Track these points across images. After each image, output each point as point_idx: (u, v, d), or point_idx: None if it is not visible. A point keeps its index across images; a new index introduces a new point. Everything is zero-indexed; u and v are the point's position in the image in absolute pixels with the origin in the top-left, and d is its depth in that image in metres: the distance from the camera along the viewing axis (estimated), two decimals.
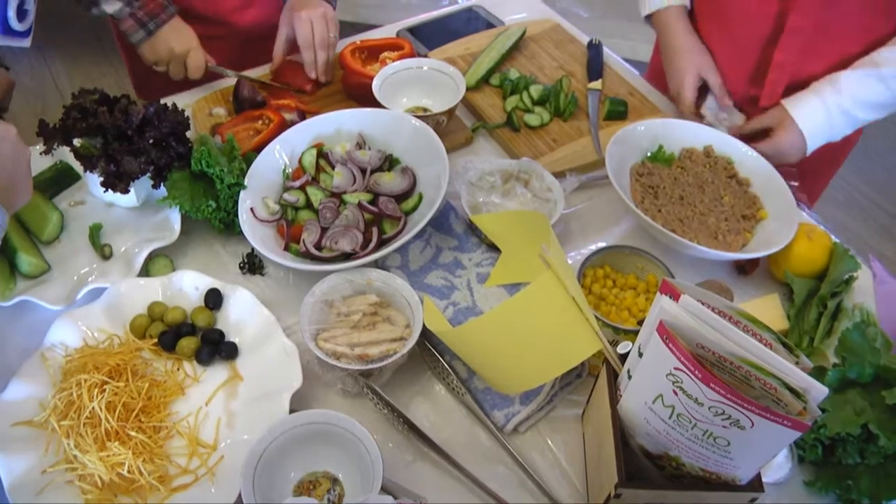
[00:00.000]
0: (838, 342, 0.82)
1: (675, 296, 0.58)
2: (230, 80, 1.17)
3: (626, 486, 0.64)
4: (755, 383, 0.55)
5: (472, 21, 1.36)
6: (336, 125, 1.04)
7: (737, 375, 0.55)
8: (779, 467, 0.76)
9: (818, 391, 0.53)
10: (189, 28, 1.13)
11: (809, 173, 1.11)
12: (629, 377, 0.65)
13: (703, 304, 0.58)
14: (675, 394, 0.58)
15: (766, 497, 0.74)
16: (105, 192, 0.93)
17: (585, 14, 2.54)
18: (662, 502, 0.66)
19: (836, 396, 0.76)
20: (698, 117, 1.12)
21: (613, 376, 0.70)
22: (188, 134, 1.00)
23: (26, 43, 0.91)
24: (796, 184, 1.03)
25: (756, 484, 0.64)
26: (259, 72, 1.21)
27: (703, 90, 1.12)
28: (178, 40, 1.12)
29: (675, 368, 0.57)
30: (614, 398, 0.68)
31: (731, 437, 0.57)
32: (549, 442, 0.79)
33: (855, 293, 0.93)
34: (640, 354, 0.62)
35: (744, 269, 0.96)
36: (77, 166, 1.01)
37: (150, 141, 0.94)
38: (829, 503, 0.76)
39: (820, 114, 1.01)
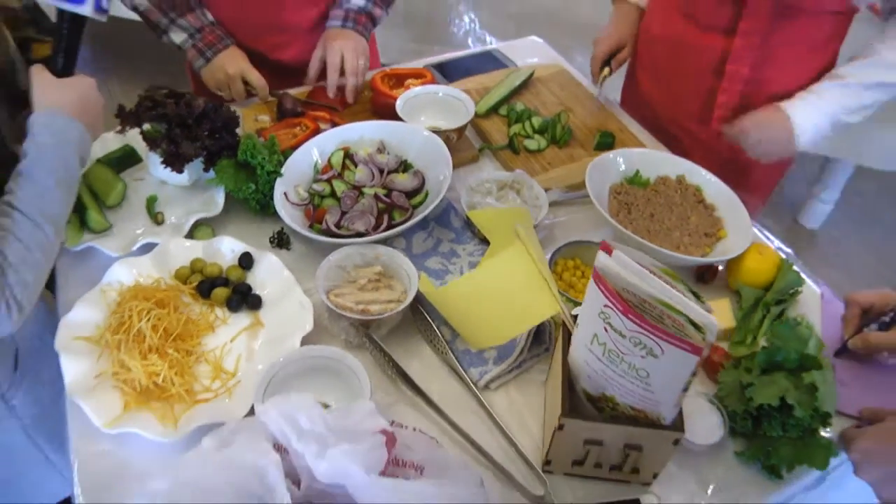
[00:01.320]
0: (769, 331, 0.95)
1: (609, 252, 0.73)
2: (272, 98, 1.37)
3: (567, 416, 0.78)
4: (667, 321, 0.69)
5: (490, 62, 1.55)
6: (361, 133, 1.22)
7: (653, 315, 0.70)
8: (713, 432, 0.89)
9: (714, 325, 0.67)
10: (242, 54, 1.33)
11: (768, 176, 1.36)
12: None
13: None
14: (606, 330, 0.73)
15: (702, 460, 0.88)
16: (164, 168, 1.12)
17: None
18: (600, 438, 0.80)
19: (763, 377, 0.89)
20: (596, 81, 1.42)
21: (567, 336, 0.84)
22: (237, 131, 1.18)
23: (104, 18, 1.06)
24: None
25: (678, 424, 0.78)
26: (295, 91, 1.40)
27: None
28: (231, 64, 1.32)
29: (605, 306, 0.71)
30: (566, 350, 0.83)
31: (649, 367, 0.71)
32: (516, 399, 0.93)
33: (799, 305, 1.07)
34: None
35: (704, 277, 1.10)
36: (140, 150, 1.20)
37: (206, 131, 1.13)
38: (755, 470, 0.89)
39: (811, 108, 1.18)
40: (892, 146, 2.14)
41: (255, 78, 1.33)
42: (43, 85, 0.92)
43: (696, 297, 0.70)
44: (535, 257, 0.90)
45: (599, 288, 0.72)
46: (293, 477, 0.72)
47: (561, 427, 0.79)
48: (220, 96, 1.36)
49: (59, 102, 0.91)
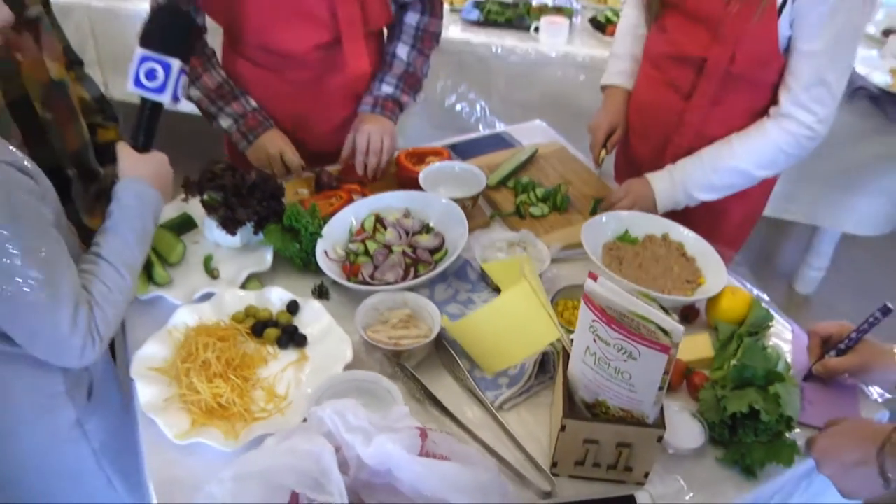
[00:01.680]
0: (741, 353, 1.12)
1: (595, 279, 0.91)
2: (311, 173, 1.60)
3: (568, 417, 0.95)
4: (642, 329, 0.87)
5: (499, 142, 1.79)
6: (389, 201, 1.44)
7: (631, 325, 0.87)
8: (695, 439, 1.04)
9: (679, 330, 0.84)
10: (282, 135, 1.56)
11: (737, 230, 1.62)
12: None
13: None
14: (595, 342, 0.91)
15: (687, 464, 1.03)
16: (219, 231, 1.33)
17: None
18: (596, 437, 0.96)
19: (735, 391, 1.05)
20: (597, 163, 1.65)
21: (566, 358, 1.02)
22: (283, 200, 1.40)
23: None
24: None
25: (660, 423, 0.94)
26: (331, 168, 1.63)
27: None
28: (271, 144, 1.55)
29: (593, 321, 0.90)
30: (565, 368, 1.00)
31: (630, 369, 0.89)
32: (525, 417, 1.09)
33: (770, 338, 1.24)
34: None
35: (687, 317, 1.28)
36: (197, 217, 1.42)
37: (257, 200, 1.35)
38: (734, 472, 1.04)
39: (666, 181, 1.47)
40: (868, 212, 2.35)
41: (290, 158, 1.56)
42: (128, 158, 1.14)
43: (665, 311, 0.88)
44: (538, 293, 1.09)
45: (588, 307, 0.90)
46: (343, 468, 0.89)
47: (563, 428, 0.95)
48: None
49: (140, 173, 1.12)
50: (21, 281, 0.90)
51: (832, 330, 1.16)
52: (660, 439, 0.95)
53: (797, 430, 1.05)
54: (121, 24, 2.67)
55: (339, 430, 0.86)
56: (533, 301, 1.08)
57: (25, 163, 0.95)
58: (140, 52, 1.14)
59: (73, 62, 1.49)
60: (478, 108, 2.54)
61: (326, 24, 1.48)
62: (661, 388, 0.90)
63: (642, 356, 0.87)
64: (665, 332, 0.85)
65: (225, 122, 1.55)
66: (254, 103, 1.57)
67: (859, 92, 2.18)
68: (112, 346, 1.30)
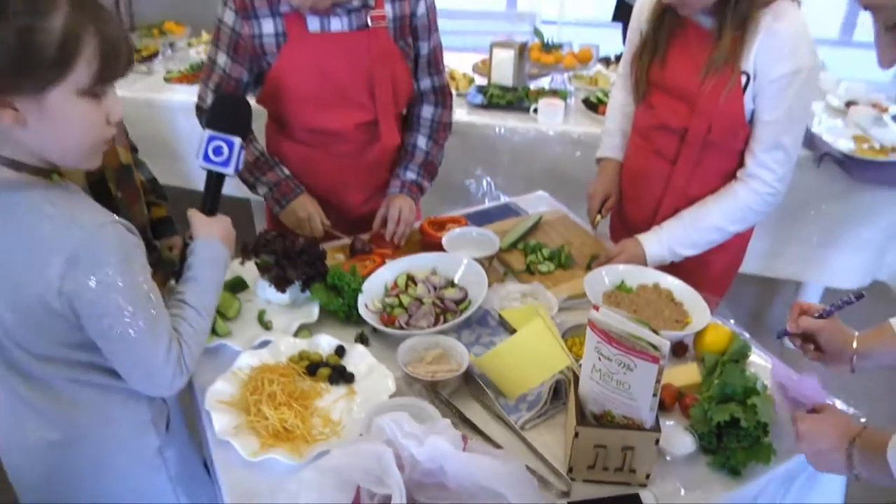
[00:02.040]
0: (722, 373, 1.34)
1: (598, 309, 1.15)
2: (346, 240, 1.85)
3: (581, 424, 1.16)
4: (636, 346, 1.09)
5: (508, 211, 2.05)
6: (418, 262, 1.69)
7: (628, 343, 1.10)
8: (687, 447, 1.26)
9: (665, 345, 1.07)
10: (312, 201, 1.81)
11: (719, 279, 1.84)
12: None
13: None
14: (599, 359, 1.13)
15: (682, 469, 1.24)
16: (271, 289, 1.57)
17: None
18: (604, 442, 1.17)
19: (719, 405, 1.27)
20: (594, 226, 1.88)
21: (576, 379, 1.24)
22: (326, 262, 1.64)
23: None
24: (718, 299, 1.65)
25: (656, 427, 1.16)
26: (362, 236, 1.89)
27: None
28: (301, 209, 1.79)
29: (597, 342, 1.13)
30: (576, 387, 1.22)
31: (629, 380, 1.11)
32: (543, 434, 1.30)
33: (749, 365, 1.46)
34: None
35: (677, 352, 1.50)
36: (250, 279, 1.66)
37: (304, 262, 1.59)
38: (721, 474, 1.24)
39: (654, 242, 1.71)
40: (846, 266, 2.60)
41: (316, 224, 1.79)
42: (200, 221, 1.36)
43: (654, 332, 1.11)
44: (551, 328, 1.32)
45: (593, 331, 1.14)
46: (399, 468, 1.10)
47: (577, 435, 1.17)
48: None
49: (212, 233, 1.34)
50: (130, 323, 1.12)
51: (813, 307, 1.37)
52: (657, 442, 1.16)
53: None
54: (154, 112, 2.98)
55: (396, 435, 1.08)
56: (546, 335, 1.31)
57: (134, 233, 1.20)
58: (208, 133, 1.41)
59: (132, 149, 1.77)
60: (484, 183, 2.83)
61: (366, 106, 1.78)
62: (654, 395, 1.12)
63: (638, 367, 1.10)
64: (654, 346, 1.08)
65: (262, 190, 1.81)
66: (287, 172, 1.83)
67: (826, 157, 2.46)
68: None
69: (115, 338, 1.11)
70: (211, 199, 1.42)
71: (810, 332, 1.33)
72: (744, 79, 1.58)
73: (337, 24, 1.69)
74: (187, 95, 2.97)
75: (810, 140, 2.54)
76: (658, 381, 1.10)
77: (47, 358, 1.16)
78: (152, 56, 3.25)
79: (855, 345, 1.31)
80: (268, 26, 1.67)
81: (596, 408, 1.19)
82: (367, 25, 1.70)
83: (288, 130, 1.85)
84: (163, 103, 2.96)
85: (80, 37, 1.00)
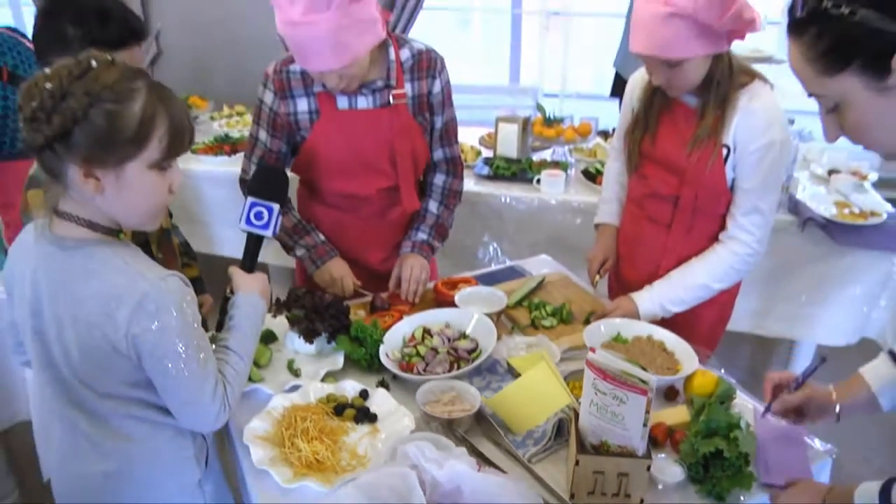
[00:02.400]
0: (707, 411, 1.52)
1: (594, 351, 1.34)
2: (368, 297, 2.05)
3: (581, 453, 1.34)
4: (628, 381, 1.28)
5: (514, 273, 2.26)
6: (434, 317, 1.88)
7: (620, 379, 1.28)
8: (677, 476, 1.42)
9: (653, 379, 1.26)
10: (343, 263, 2.03)
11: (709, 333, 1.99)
12: None
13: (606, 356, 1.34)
14: (596, 395, 1.32)
15: (672, 497, 1.40)
16: (300, 340, 1.76)
17: None
18: (602, 469, 1.34)
19: (705, 439, 1.44)
20: (593, 285, 2.07)
21: (576, 415, 1.42)
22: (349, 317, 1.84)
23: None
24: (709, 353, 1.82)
25: (647, 454, 1.33)
26: (382, 294, 2.09)
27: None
28: (335, 270, 2.01)
29: (594, 379, 1.31)
30: (577, 421, 1.40)
31: (622, 411, 1.29)
32: (548, 467, 1.47)
33: (735, 407, 1.63)
34: None
35: (668, 396, 1.68)
36: (279, 332, 1.85)
37: (330, 316, 1.79)
38: (709, 501, 1.40)
39: (647, 299, 1.90)
40: (834, 324, 2.78)
41: (347, 283, 2.00)
42: (241, 278, 1.55)
43: (644, 369, 1.30)
44: (554, 371, 1.50)
45: (591, 369, 1.32)
46: (421, 489, 1.26)
47: (577, 462, 1.34)
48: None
49: (252, 288, 1.54)
50: (184, 363, 1.30)
51: (783, 377, 1.55)
52: (648, 468, 1.33)
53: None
54: (187, 181, 3.23)
55: (419, 459, 1.25)
56: (550, 377, 1.49)
57: (188, 284, 1.40)
58: (250, 199, 1.62)
59: (169, 214, 1.99)
60: (491, 248, 3.04)
61: (388, 174, 2.01)
62: (644, 425, 1.30)
63: (630, 400, 1.28)
64: (643, 381, 1.27)
65: (299, 251, 2.03)
66: (322, 237, 2.06)
67: (810, 222, 2.68)
68: None
69: (170, 376, 1.29)
70: (250, 259, 1.62)
71: (793, 406, 1.51)
72: (725, 151, 1.81)
73: (363, 102, 1.93)
74: (212, 166, 3.23)
75: (795, 206, 2.76)
76: (647, 411, 1.28)
77: (108, 395, 1.33)
78: None
79: (834, 397, 1.49)
80: (302, 105, 1.92)
81: (594, 439, 1.37)
82: (389, 103, 1.95)
83: (318, 195, 2.08)
84: (189, 173, 3.20)
85: (154, 119, 1.22)
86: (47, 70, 1.20)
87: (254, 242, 1.63)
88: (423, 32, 4.12)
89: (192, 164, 3.26)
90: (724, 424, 1.45)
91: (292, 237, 2.04)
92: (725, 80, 1.76)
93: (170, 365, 1.28)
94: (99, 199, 1.24)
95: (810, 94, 1.10)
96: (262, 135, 1.97)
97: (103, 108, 1.17)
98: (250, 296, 1.51)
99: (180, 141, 1.27)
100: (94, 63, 1.19)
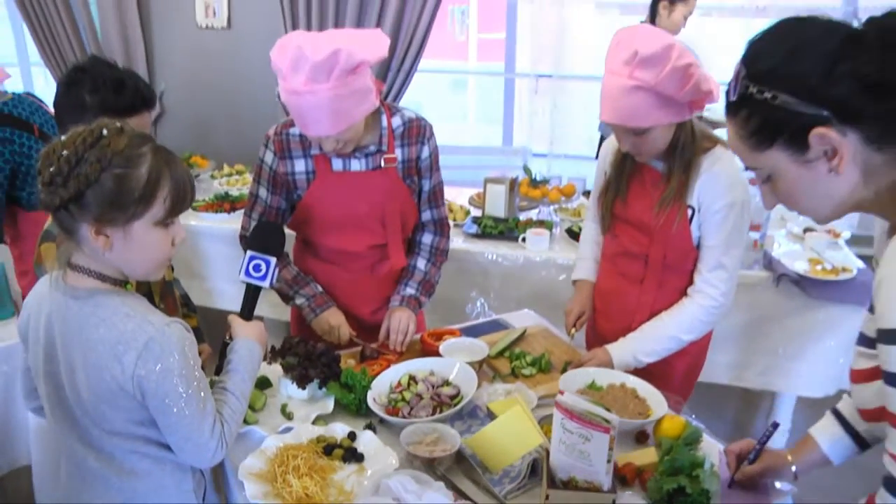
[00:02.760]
0: (671, 451, 1.64)
1: (563, 393, 1.47)
2: (358, 347, 2.19)
3: (550, 488, 1.46)
4: (593, 421, 1.41)
5: (498, 326, 2.40)
6: (419, 365, 2.02)
7: (586, 419, 1.42)
8: None
9: (615, 419, 1.39)
10: (340, 313, 2.17)
11: (682, 382, 2.09)
12: None
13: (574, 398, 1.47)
14: (564, 433, 1.45)
15: None
16: (293, 385, 1.89)
17: None
18: (570, 502, 1.46)
19: (670, 476, 1.56)
20: (570, 336, 2.20)
21: (547, 454, 1.54)
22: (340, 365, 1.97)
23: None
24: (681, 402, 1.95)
25: (612, 489, 1.45)
26: (371, 344, 2.22)
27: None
28: (332, 319, 2.16)
29: (563, 419, 1.44)
30: (548, 459, 1.52)
31: (587, 448, 1.42)
32: (523, 500, 1.59)
33: (701, 449, 1.75)
34: None
35: (639, 439, 1.80)
36: (273, 378, 1.98)
37: (322, 363, 1.92)
38: None
39: (620, 350, 2.03)
40: (812, 376, 2.91)
41: (343, 332, 2.15)
42: (239, 324, 1.69)
43: (608, 410, 1.43)
44: (527, 412, 1.63)
45: (559, 410, 1.45)
46: None
47: (547, 497, 1.46)
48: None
49: (249, 335, 1.67)
50: (185, 403, 1.43)
51: (742, 446, 1.67)
52: (613, 502, 1.45)
53: None
54: (188, 236, 3.38)
55: (400, 491, 1.38)
56: (524, 419, 1.62)
57: (190, 331, 1.54)
58: (249, 253, 1.78)
59: (171, 268, 2.14)
60: (478, 303, 3.19)
61: (378, 232, 2.18)
62: (608, 461, 1.42)
63: (594, 438, 1.41)
64: (606, 420, 1.40)
65: (299, 300, 2.18)
66: (320, 288, 2.21)
67: (783, 277, 2.84)
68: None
69: (171, 414, 1.41)
70: (249, 308, 1.77)
71: (754, 475, 1.63)
72: (690, 211, 1.97)
73: (356, 165, 2.11)
74: (212, 222, 3.40)
75: (770, 262, 2.93)
76: (611, 448, 1.41)
77: (115, 432, 1.46)
78: None
79: (790, 459, 1.61)
80: (300, 165, 2.10)
81: (563, 475, 1.49)
82: (380, 166, 2.13)
83: (312, 249, 2.24)
84: (190, 229, 3.37)
85: (159, 181, 1.38)
86: (63, 137, 1.36)
87: (252, 293, 1.78)
88: (420, 94, 4.35)
89: (193, 221, 3.43)
90: (687, 463, 1.58)
91: (292, 287, 2.19)
92: (689, 146, 1.94)
93: (171, 404, 1.40)
94: (108, 254, 1.39)
95: (747, 168, 1.27)
96: (263, 192, 2.14)
97: (113, 172, 1.32)
98: (248, 341, 1.65)
99: (182, 200, 1.43)
100: (105, 132, 1.35)
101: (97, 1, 4.69)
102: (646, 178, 2.06)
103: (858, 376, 1.27)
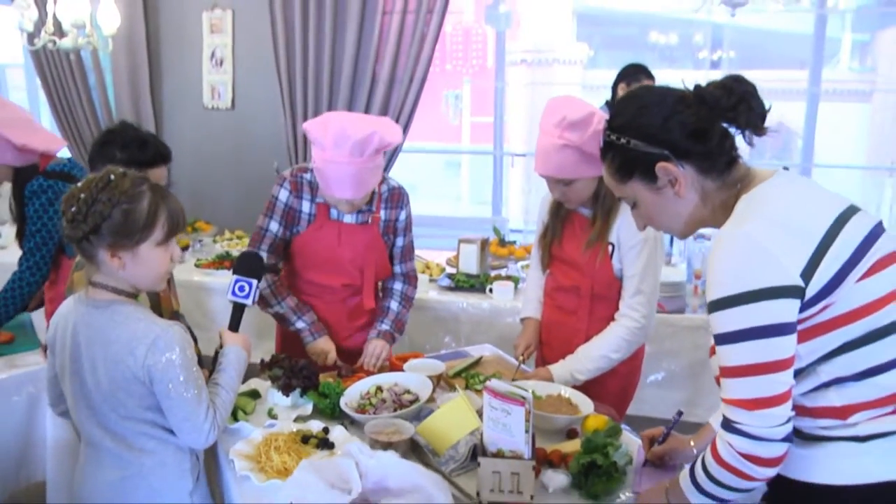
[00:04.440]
0: (589, 434, 2.00)
1: (490, 377, 1.85)
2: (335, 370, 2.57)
3: (482, 456, 1.82)
4: (512, 398, 1.78)
5: (459, 355, 2.79)
6: (384, 378, 2.40)
7: (507, 396, 1.79)
8: (562, 482, 1.89)
9: (529, 395, 1.76)
10: (331, 341, 2.58)
11: (617, 399, 2.44)
12: None
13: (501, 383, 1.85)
14: (491, 410, 1.82)
15: (561, 498, 1.86)
16: (279, 393, 2.27)
17: None
18: (499, 469, 1.81)
19: (586, 454, 1.91)
20: (519, 361, 2.56)
21: (482, 435, 1.91)
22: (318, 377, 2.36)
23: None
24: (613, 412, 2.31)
25: (532, 458, 1.81)
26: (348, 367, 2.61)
27: None
28: (325, 345, 2.57)
29: (490, 398, 1.82)
30: (481, 438, 1.89)
31: (509, 422, 1.79)
32: (464, 482, 1.94)
33: (622, 443, 2.11)
34: None
35: (569, 434, 2.17)
36: (262, 390, 2.36)
37: (303, 376, 2.31)
38: (587, 500, 1.86)
39: (559, 368, 2.40)
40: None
41: (330, 357, 2.56)
42: (228, 335, 2.03)
43: (524, 391, 1.81)
44: (468, 402, 2.01)
45: (487, 392, 1.83)
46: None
47: (479, 464, 1.82)
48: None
49: (236, 342, 2.03)
50: (184, 388, 1.77)
51: (654, 432, 2.04)
52: (534, 468, 1.81)
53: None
54: (184, 291, 3.78)
55: (358, 454, 1.74)
56: (464, 407, 1.99)
57: (188, 332, 1.91)
58: (235, 276, 2.13)
59: (177, 300, 2.55)
60: (451, 347, 3.57)
61: (354, 275, 2.62)
62: (526, 432, 1.79)
63: (513, 413, 1.78)
64: (522, 396, 1.78)
65: (300, 325, 2.58)
66: (316, 317, 2.62)
67: None
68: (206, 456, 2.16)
69: (172, 398, 1.76)
70: (235, 322, 2.11)
71: (661, 454, 1.98)
72: (611, 248, 2.40)
73: (349, 218, 2.59)
74: (213, 279, 3.84)
75: None
76: (527, 420, 1.78)
77: (128, 417, 1.81)
78: (184, 249, 4.15)
79: (693, 444, 1.98)
80: (306, 206, 2.56)
81: (493, 448, 1.85)
82: (367, 222, 2.58)
83: (295, 281, 2.65)
84: (193, 284, 3.80)
85: (157, 211, 1.77)
86: (79, 184, 1.76)
87: (237, 310, 2.12)
88: (415, 172, 4.84)
89: (197, 277, 3.86)
90: (601, 443, 1.94)
91: (295, 313, 2.60)
92: (609, 195, 2.37)
93: (173, 389, 1.75)
94: (122, 272, 1.78)
95: (619, 197, 1.70)
96: (274, 226, 2.57)
97: (122, 208, 1.72)
98: (235, 347, 2.00)
99: (177, 224, 1.83)
100: (112, 177, 1.75)
101: (113, 84, 5.27)
102: (576, 222, 2.50)
103: (711, 351, 1.65)
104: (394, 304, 2.76)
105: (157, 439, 1.85)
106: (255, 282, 2.13)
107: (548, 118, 2.33)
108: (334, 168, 2.33)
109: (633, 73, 4.20)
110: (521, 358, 2.64)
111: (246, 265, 2.16)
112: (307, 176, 2.57)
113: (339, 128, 2.29)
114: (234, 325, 2.10)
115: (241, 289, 2.11)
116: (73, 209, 1.71)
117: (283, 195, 2.57)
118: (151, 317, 1.80)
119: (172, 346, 1.75)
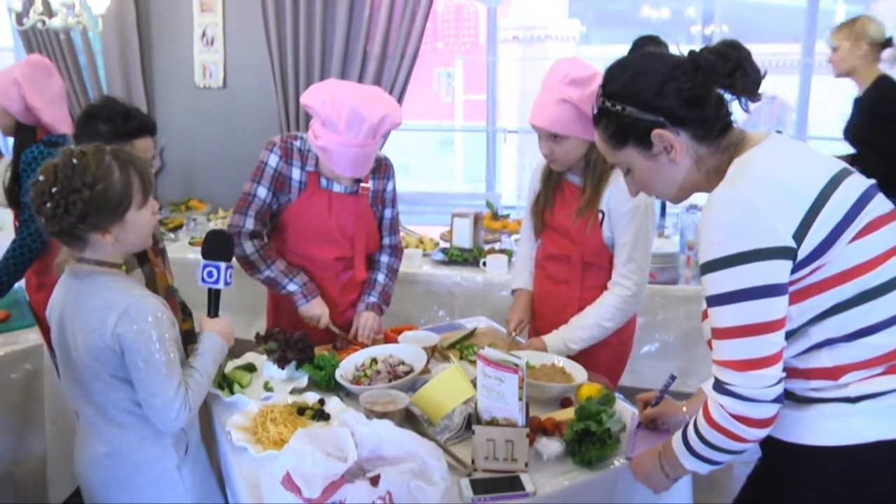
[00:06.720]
0: (583, 402, 2.00)
1: (484, 348, 1.85)
2: (330, 343, 2.57)
3: (476, 424, 1.82)
4: (505, 365, 1.78)
5: (453, 327, 2.79)
6: (380, 350, 2.39)
7: (500, 364, 1.79)
8: (557, 449, 1.89)
9: (522, 362, 1.76)
10: (324, 303, 2.56)
11: (609, 369, 2.44)
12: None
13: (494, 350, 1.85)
14: (485, 378, 1.82)
15: (556, 464, 1.87)
16: (275, 366, 2.26)
17: None
18: (493, 437, 1.82)
19: (580, 421, 1.92)
20: (511, 336, 2.54)
21: (475, 403, 1.91)
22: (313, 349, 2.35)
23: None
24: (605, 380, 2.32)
25: (526, 425, 1.81)
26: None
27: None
28: (320, 308, 2.55)
29: (483, 367, 1.82)
30: (476, 407, 1.89)
31: (503, 389, 1.79)
32: (458, 450, 1.94)
33: (615, 410, 2.11)
34: None
35: (564, 403, 2.17)
36: (258, 363, 2.35)
37: (298, 348, 2.30)
38: (581, 467, 1.86)
39: (553, 338, 2.41)
40: None
41: (324, 321, 2.55)
42: (206, 321, 2.00)
43: (518, 358, 1.81)
44: (461, 372, 2.01)
45: (481, 360, 1.83)
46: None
47: (474, 432, 1.82)
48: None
49: (214, 329, 1.98)
50: (154, 364, 1.72)
51: (648, 396, 2.04)
52: (528, 435, 1.81)
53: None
54: (179, 269, 3.77)
55: (353, 423, 1.74)
56: (458, 376, 1.99)
57: (167, 308, 1.89)
58: (203, 262, 2.02)
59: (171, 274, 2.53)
60: (445, 321, 3.57)
61: (345, 246, 2.60)
62: (520, 399, 1.79)
63: (506, 380, 1.78)
64: (515, 364, 1.78)
65: (292, 287, 2.54)
66: (307, 278, 2.59)
67: None
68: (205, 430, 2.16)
69: (141, 370, 1.71)
70: (214, 307, 2.03)
71: (654, 417, 1.99)
72: (601, 216, 2.39)
73: (338, 188, 2.56)
74: None
75: None
76: (520, 387, 1.78)
77: (108, 388, 1.78)
78: (178, 227, 4.13)
79: (685, 409, 1.98)
80: (296, 174, 2.53)
81: (487, 416, 1.85)
82: (357, 192, 2.56)
83: (287, 258, 2.62)
84: (186, 261, 3.78)
85: (129, 179, 1.74)
86: (41, 177, 1.69)
87: (214, 294, 2.02)
88: (410, 150, 4.81)
89: (190, 254, 3.84)
90: (595, 411, 1.94)
91: (286, 276, 2.55)
92: (600, 162, 2.36)
93: (142, 360, 1.71)
94: (109, 245, 1.76)
95: (611, 164, 1.68)
96: (262, 192, 2.52)
97: (98, 188, 1.68)
98: (211, 333, 1.95)
99: (149, 182, 1.81)
100: (74, 160, 1.70)
101: (105, 65, 5.22)
102: (566, 190, 2.48)
103: (703, 315, 1.65)
104: (380, 277, 2.75)
105: (136, 415, 1.81)
106: (222, 265, 1.99)
107: (552, 75, 2.32)
108: (348, 150, 2.32)
109: (646, 45, 4.16)
110: (513, 333, 2.63)
111: (213, 248, 2.02)
112: (297, 143, 2.54)
113: (351, 109, 2.27)
114: (213, 311, 2.01)
115: (210, 274, 2.00)
116: (49, 205, 1.68)
117: (273, 160, 2.51)
118: (127, 286, 1.78)
119: (145, 316, 1.72)
